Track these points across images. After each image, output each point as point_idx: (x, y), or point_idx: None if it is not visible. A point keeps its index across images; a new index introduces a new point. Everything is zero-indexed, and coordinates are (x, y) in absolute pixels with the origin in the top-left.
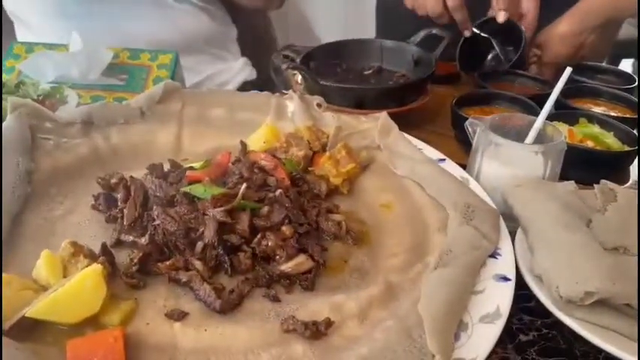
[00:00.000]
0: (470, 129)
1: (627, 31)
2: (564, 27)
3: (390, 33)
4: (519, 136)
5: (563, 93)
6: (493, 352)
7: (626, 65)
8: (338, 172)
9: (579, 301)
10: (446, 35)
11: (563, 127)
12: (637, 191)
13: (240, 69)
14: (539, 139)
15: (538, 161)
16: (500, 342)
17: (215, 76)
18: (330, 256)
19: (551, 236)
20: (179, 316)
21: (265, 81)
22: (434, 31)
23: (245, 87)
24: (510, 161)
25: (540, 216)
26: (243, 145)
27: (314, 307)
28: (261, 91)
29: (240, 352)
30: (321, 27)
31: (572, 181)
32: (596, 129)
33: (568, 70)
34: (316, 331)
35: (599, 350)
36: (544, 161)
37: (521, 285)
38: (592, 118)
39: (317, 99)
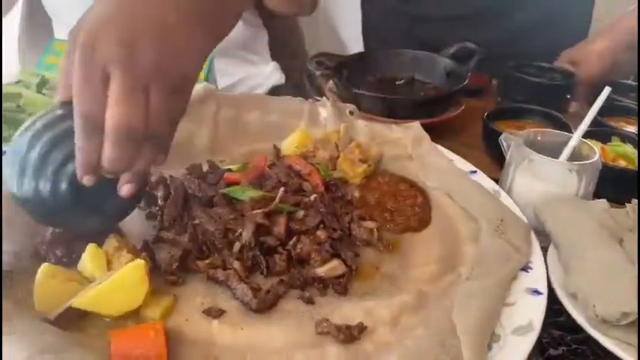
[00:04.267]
0: (504, 143)
1: None
2: (602, 44)
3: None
4: (552, 152)
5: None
6: None
7: None
8: (355, 173)
9: (615, 321)
10: (478, 49)
11: (595, 145)
12: None
13: (271, 73)
14: (573, 156)
15: (572, 179)
16: (530, 355)
17: (246, 80)
18: (361, 262)
19: (586, 254)
20: (217, 313)
21: (292, 86)
22: (467, 44)
23: (274, 91)
24: (544, 177)
25: (575, 233)
26: (277, 149)
27: (347, 311)
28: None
29: (276, 352)
30: (347, 33)
31: (604, 200)
32: (629, 148)
33: (607, 89)
34: (350, 335)
35: None
36: (578, 179)
37: (551, 299)
38: (625, 137)
39: (349, 106)
